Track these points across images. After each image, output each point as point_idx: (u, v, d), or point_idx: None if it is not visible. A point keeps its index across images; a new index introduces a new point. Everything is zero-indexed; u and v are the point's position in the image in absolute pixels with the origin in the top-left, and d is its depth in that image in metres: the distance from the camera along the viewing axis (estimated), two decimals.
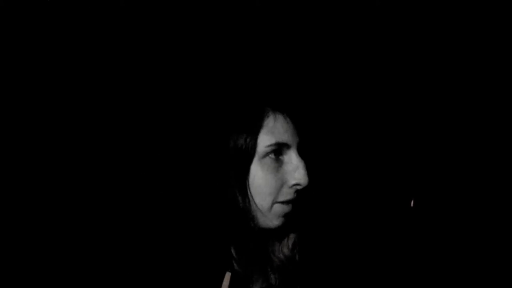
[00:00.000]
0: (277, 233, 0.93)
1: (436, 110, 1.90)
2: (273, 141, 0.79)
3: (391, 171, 1.88)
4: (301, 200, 0.89)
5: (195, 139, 0.80)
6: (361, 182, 1.79)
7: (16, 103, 1.38)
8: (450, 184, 1.94)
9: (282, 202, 0.82)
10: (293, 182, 0.81)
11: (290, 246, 0.95)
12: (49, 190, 1.32)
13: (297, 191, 0.84)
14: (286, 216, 0.84)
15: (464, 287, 1.85)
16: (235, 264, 0.81)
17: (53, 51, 1.36)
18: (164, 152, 0.83)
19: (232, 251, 0.82)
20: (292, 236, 0.96)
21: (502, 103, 1.87)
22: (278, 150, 0.80)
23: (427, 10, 1.58)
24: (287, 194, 0.82)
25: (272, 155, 0.80)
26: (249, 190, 0.79)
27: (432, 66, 1.80)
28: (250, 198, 0.79)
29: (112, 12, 1.35)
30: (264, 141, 0.79)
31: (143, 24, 1.32)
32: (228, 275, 0.78)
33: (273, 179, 0.80)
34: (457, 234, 1.90)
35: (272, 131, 0.80)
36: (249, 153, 0.78)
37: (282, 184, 0.81)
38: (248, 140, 0.78)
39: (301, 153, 0.84)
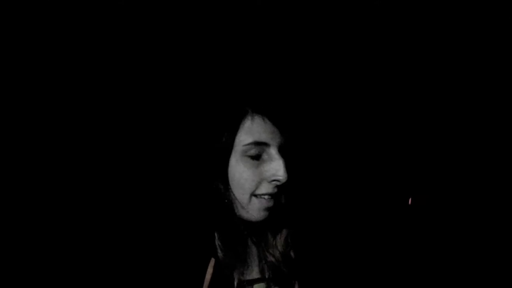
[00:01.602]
0: (270, 229, 0.99)
1: (430, 107, 1.89)
2: (250, 140, 0.85)
3: (387, 168, 1.88)
4: (283, 195, 0.95)
5: (181, 135, 0.87)
6: (356, 179, 1.81)
7: (16, 103, 1.43)
8: (447, 181, 1.94)
9: (261, 195, 0.88)
10: (272, 178, 0.87)
11: (283, 242, 0.99)
12: (42, 187, 1.36)
13: (277, 187, 0.89)
14: (267, 210, 0.90)
15: (462, 284, 1.84)
16: (219, 252, 0.88)
17: (49, 50, 1.41)
18: (151, 148, 0.90)
19: (217, 240, 0.88)
20: (285, 232, 1.00)
21: (499, 100, 1.85)
22: (257, 149, 0.86)
23: (415, 11, 1.59)
24: (266, 189, 0.88)
25: (251, 154, 0.86)
26: (230, 183, 0.85)
27: (415, 61, 1.79)
28: (231, 192, 0.86)
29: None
30: (243, 140, 0.86)
31: (129, 25, 1.36)
32: (212, 262, 0.85)
33: (251, 175, 0.86)
34: (454, 231, 1.89)
35: (250, 131, 0.86)
36: (227, 150, 0.85)
37: (260, 180, 0.87)
38: (226, 138, 0.85)
39: (282, 151, 0.89)
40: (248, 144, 0.85)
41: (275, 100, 0.88)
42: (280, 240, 1.00)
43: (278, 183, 0.87)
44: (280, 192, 0.91)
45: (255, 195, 0.88)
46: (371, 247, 1.81)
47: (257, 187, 0.87)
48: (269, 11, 1.36)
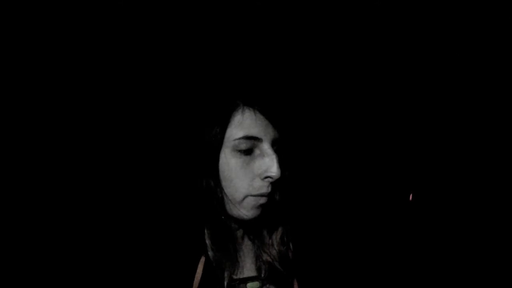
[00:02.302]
0: (266, 228, 0.96)
1: (428, 104, 1.88)
2: (241, 134, 0.82)
3: (385, 164, 1.87)
4: (277, 193, 0.92)
5: (169, 130, 0.84)
6: (353, 175, 1.79)
7: (14, 103, 1.43)
8: (448, 177, 1.92)
9: (255, 195, 0.85)
10: (265, 174, 0.83)
11: (279, 240, 0.97)
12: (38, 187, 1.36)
13: (271, 184, 0.85)
14: (260, 208, 0.87)
15: (462, 281, 1.83)
16: (209, 250, 0.85)
17: (45, 49, 1.40)
18: (139, 143, 0.88)
19: (207, 238, 0.86)
20: (280, 229, 0.97)
21: (498, 99, 1.83)
22: (249, 143, 0.83)
23: (415, 11, 1.57)
24: (260, 187, 0.84)
25: (242, 148, 0.83)
26: (221, 181, 0.83)
27: (413, 59, 1.78)
28: (223, 189, 0.83)
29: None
30: (233, 134, 0.82)
31: (121, 22, 1.36)
32: (203, 259, 0.83)
33: (243, 172, 0.83)
34: (455, 227, 1.88)
35: (241, 124, 0.82)
36: (217, 145, 0.82)
37: (253, 177, 0.84)
38: (216, 132, 0.82)
39: (276, 147, 0.86)
40: (239, 139, 0.82)
41: (266, 92, 0.85)
42: (276, 238, 0.97)
43: (271, 180, 0.84)
44: (274, 190, 0.87)
45: (250, 195, 0.84)
46: (370, 244, 1.79)
47: (249, 185, 0.84)
48: (264, 3, 1.34)
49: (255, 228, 0.96)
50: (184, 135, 0.83)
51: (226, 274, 0.87)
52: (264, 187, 0.85)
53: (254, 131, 0.83)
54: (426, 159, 1.92)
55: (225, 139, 0.83)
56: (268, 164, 0.83)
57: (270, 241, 0.97)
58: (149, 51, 1.33)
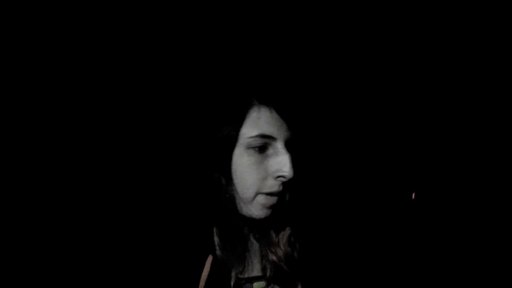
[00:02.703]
0: (273, 228, 0.96)
1: (433, 103, 1.88)
2: (255, 132, 0.81)
3: (390, 164, 1.86)
4: (288, 193, 0.91)
5: (183, 128, 0.84)
6: (359, 176, 1.79)
7: (15, 103, 1.43)
8: (451, 176, 1.91)
9: (266, 194, 0.84)
10: (277, 174, 0.82)
11: (286, 240, 0.96)
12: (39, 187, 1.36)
13: (282, 184, 0.85)
14: (271, 208, 0.86)
15: (464, 280, 1.82)
16: (217, 249, 0.85)
17: (45, 49, 1.40)
18: (154, 140, 0.87)
19: (216, 236, 0.85)
20: (288, 230, 0.97)
21: (499, 98, 1.83)
22: (263, 142, 0.82)
23: (417, 9, 1.56)
24: (271, 186, 0.83)
25: (256, 146, 0.82)
26: (233, 179, 0.82)
27: (418, 57, 1.78)
28: (235, 187, 0.82)
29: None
30: (248, 132, 0.81)
31: (130, 20, 1.35)
32: (210, 258, 0.82)
33: (256, 170, 0.82)
34: (458, 227, 1.87)
35: (256, 123, 0.82)
36: (231, 143, 0.81)
37: (266, 175, 0.83)
38: (231, 130, 0.81)
39: (289, 146, 0.85)
40: (254, 137, 0.81)
41: (282, 92, 0.84)
42: (283, 239, 0.96)
43: (283, 179, 0.83)
44: (285, 190, 0.86)
45: (260, 193, 0.84)
46: (375, 246, 1.79)
47: (261, 184, 0.83)
48: (275, 4, 1.33)
49: (262, 227, 0.95)
50: (200, 132, 0.82)
51: (233, 273, 0.86)
52: (275, 186, 0.84)
53: (269, 130, 0.82)
54: (429, 158, 1.92)
55: (240, 137, 0.82)
56: (282, 163, 0.82)
57: (277, 241, 0.97)
58: (169, 51, 1.33)
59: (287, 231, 0.97)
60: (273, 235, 0.97)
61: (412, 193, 1.91)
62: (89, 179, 1.27)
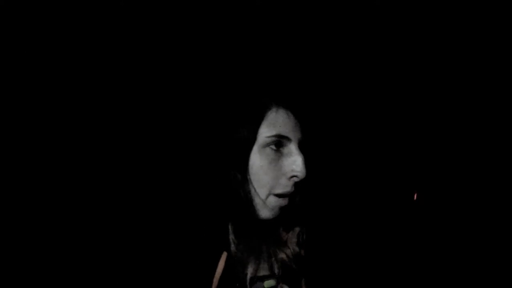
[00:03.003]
0: (282, 226, 0.98)
1: (437, 107, 1.89)
2: (273, 132, 0.85)
3: (394, 166, 1.88)
4: (299, 195, 0.93)
5: (203, 128, 0.86)
6: (364, 177, 1.80)
7: (16, 103, 1.44)
8: (453, 178, 1.92)
9: (278, 195, 0.87)
10: (291, 173, 0.86)
11: (295, 240, 0.99)
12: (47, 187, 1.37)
13: (295, 184, 0.88)
14: (280, 209, 0.89)
15: (466, 279, 1.83)
16: (232, 247, 0.87)
17: (58, 51, 1.42)
18: (173, 141, 0.89)
19: (231, 233, 0.87)
20: (297, 230, 1.00)
21: (500, 99, 1.83)
22: (279, 142, 0.86)
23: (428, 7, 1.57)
24: (284, 186, 0.87)
25: (272, 146, 0.85)
26: (249, 176, 0.84)
27: (430, 59, 1.78)
28: (250, 184, 0.85)
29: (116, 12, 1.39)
30: (265, 132, 0.85)
31: (150, 23, 1.37)
32: (224, 256, 0.84)
33: (271, 168, 0.85)
34: (459, 227, 1.88)
35: (274, 123, 0.85)
36: (249, 142, 0.85)
37: (280, 175, 0.86)
38: (249, 130, 0.84)
39: (302, 148, 0.88)
40: (271, 136, 0.84)
41: (299, 95, 0.87)
42: (291, 238, 0.99)
43: (296, 179, 0.86)
44: (296, 192, 0.89)
45: (273, 194, 0.87)
46: (381, 246, 1.80)
47: (275, 183, 0.86)
48: (293, 7, 1.35)
49: (271, 226, 0.97)
50: (220, 132, 0.85)
51: (247, 271, 0.88)
52: (288, 186, 0.87)
53: (285, 131, 0.86)
54: (431, 161, 1.93)
55: (258, 136, 0.85)
56: (296, 163, 0.86)
57: (286, 239, 0.99)
58: (192, 56, 1.35)
59: (296, 230, 1.00)
60: (282, 234, 1.00)
61: (414, 194, 1.92)
62: (109, 178, 1.29)
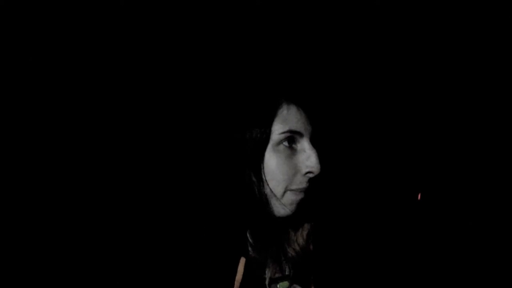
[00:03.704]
0: (293, 224, 0.96)
1: (443, 107, 1.93)
2: (286, 128, 0.83)
3: (400, 164, 1.91)
4: (313, 190, 0.92)
5: (215, 130, 0.83)
6: (370, 175, 1.82)
7: (17, 103, 1.39)
8: (456, 178, 1.97)
9: (295, 190, 0.85)
10: (306, 170, 0.84)
11: (305, 236, 0.97)
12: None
13: (309, 180, 0.86)
14: (297, 204, 0.87)
15: (469, 279, 1.86)
16: (250, 250, 0.84)
17: (63, 52, 1.38)
18: (186, 143, 0.86)
19: (248, 237, 0.85)
20: (306, 226, 0.98)
21: (502, 100, 1.90)
22: (291, 138, 0.84)
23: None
24: (300, 182, 0.85)
25: (285, 143, 0.83)
26: (264, 176, 0.82)
27: (437, 60, 1.82)
28: (265, 184, 0.82)
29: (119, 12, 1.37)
30: (278, 129, 0.83)
31: (157, 23, 1.35)
32: (243, 260, 0.81)
33: (286, 166, 0.83)
34: (463, 227, 1.92)
35: (285, 120, 0.83)
36: (263, 141, 0.82)
37: (295, 172, 0.84)
38: (262, 129, 0.81)
39: (314, 143, 0.87)
40: (283, 133, 0.82)
41: (309, 91, 0.86)
42: (302, 235, 0.98)
43: (311, 175, 0.85)
44: (311, 187, 0.88)
45: (289, 190, 0.85)
46: (388, 244, 1.81)
47: (290, 180, 0.84)
48: (302, 5, 1.35)
49: (284, 224, 0.95)
50: (232, 133, 0.82)
51: (266, 274, 0.86)
52: (304, 182, 0.86)
53: (297, 126, 0.84)
54: (436, 161, 1.96)
55: (271, 134, 0.83)
56: (310, 159, 0.84)
57: (295, 237, 0.98)
58: (197, 58, 1.32)
59: (306, 227, 0.99)
60: (292, 232, 0.98)
61: (418, 194, 1.95)
62: (122, 180, 1.25)
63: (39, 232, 1.32)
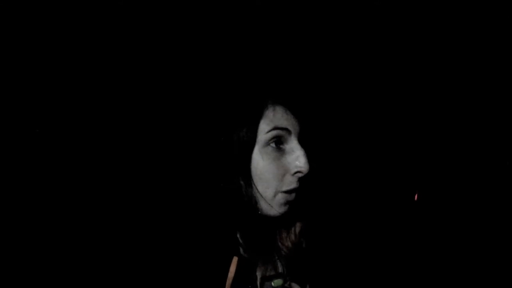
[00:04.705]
0: (285, 222, 0.97)
1: (439, 105, 1.93)
2: (270, 126, 0.83)
3: (395, 163, 1.91)
4: (304, 189, 0.93)
5: (201, 133, 0.84)
6: (365, 173, 1.82)
7: (17, 103, 1.39)
8: (453, 177, 1.96)
9: (285, 192, 0.86)
10: (295, 170, 0.84)
11: (297, 234, 0.98)
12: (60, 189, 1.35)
13: (299, 180, 0.87)
14: (289, 204, 0.88)
15: (467, 280, 1.86)
16: (241, 250, 0.85)
17: (61, 51, 1.38)
18: (172, 146, 0.87)
19: (239, 237, 0.86)
20: (299, 224, 0.99)
21: (501, 99, 1.89)
22: (279, 138, 0.84)
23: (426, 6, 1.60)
24: (290, 183, 0.85)
25: (273, 144, 0.83)
26: (253, 178, 0.82)
27: (431, 59, 1.82)
28: (254, 187, 0.83)
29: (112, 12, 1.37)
30: (264, 128, 0.83)
31: (144, 23, 1.35)
32: (235, 260, 0.82)
33: (275, 167, 0.83)
34: (460, 226, 1.92)
35: (272, 120, 0.83)
36: (250, 143, 0.82)
37: (284, 172, 0.85)
38: (248, 130, 0.82)
39: (303, 143, 0.87)
40: (270, 131, 0.82)
41: (296, 91, 0.86)
42: (293, 233, 0.99)
43: (300, 175, 0.85)
44: (302, 186, 0.88)
45: (280, 191, 0.85)
46: (383, 241, 1.82)
47: (280, 181, 0.84)
48: (287, 4, 1.35)
49: (276, 222, 0.96)
50: (218, 136, 0.83)
51: (257, 273, 0.87)
52: (293, 183, 0.86)
53: (284, 123, 0.84)
54: (432, 160, 1.96)
55: (257, 135, 0.83)
56: (299, 159, 0.85)
57: (288, 236, 0.98)
58: (180, 58, 1.32)
59: (298, 226, 0.99)
60: (284, 231, 0.99)
61: (415, 194, 1.95)
62: (111, 181, 1.25)
63: (36, 232, 1.33)
